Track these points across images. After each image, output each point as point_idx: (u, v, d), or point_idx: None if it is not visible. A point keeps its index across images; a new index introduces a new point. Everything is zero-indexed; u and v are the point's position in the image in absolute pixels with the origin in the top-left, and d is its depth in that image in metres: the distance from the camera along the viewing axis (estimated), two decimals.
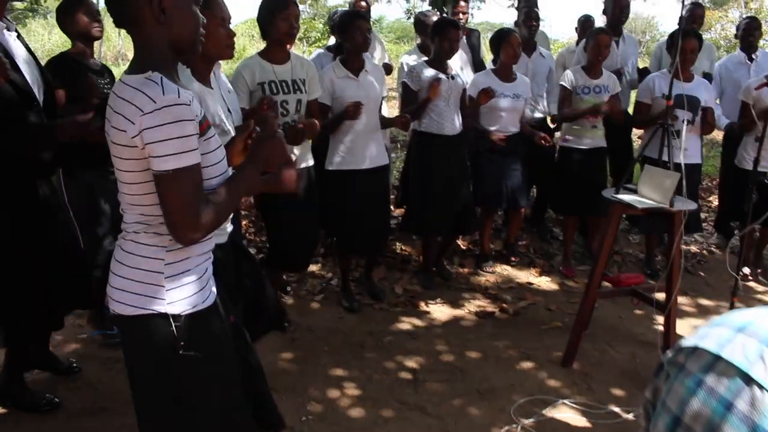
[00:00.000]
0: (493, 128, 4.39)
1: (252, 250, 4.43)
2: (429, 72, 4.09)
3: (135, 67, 1.52)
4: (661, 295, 3.35)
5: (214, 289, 1.73)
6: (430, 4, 6.59)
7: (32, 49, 2.65)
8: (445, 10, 6.45)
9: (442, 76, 4.05)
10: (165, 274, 1.56)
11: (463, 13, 5.32)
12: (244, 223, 4.96)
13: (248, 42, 27.09)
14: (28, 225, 2.54)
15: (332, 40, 5.08)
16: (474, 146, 4.49)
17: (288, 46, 3.42)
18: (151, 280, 1.56)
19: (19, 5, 5.87)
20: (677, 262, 3.24)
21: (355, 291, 4.13)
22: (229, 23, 2.30)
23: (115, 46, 23.90)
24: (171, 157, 1.43)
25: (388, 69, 5.22)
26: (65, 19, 3.19)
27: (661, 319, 3.48)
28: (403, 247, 4.95)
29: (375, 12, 16.05)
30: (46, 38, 22.67)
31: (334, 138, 3.72)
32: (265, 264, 3.63)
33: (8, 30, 2.48)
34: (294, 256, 3.58)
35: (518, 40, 4.40)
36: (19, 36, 2.56)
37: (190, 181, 1.47)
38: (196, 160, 1.48)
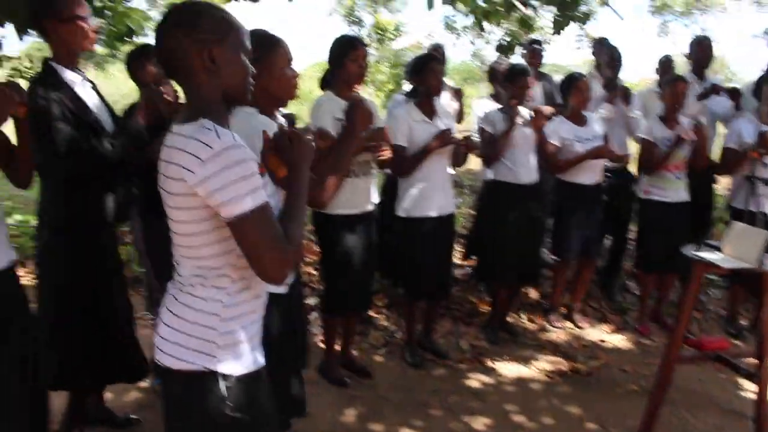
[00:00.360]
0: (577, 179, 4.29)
1: (312, 300, 4.40)
2: (504, 119, 4.04)
3: (186, 117, 1.50)
4: (749, 359, 3.10)
5: (261, 350, 1.69)
6: (497, 50, 6.53)
7: (104, 97, 2.75)
8: (509, 56, 6.39)
9: (518, 120, 4.01)
10: (219, 330, 1.53)
11: (538, 56, 5.30)
12: (307, 270, 4.94)
13: (315, 85, 27.75)
14: (88, 273, 2.62)
15: (407, 85, 5.09)
16: (554, 195, 4.41)
17: (356, 87, 3.44)
18: (204, 335, 1.52)
19: (100, 51, 6.12)
20: None
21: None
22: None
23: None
24: (237, 202, 1.39)
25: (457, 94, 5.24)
26: (135, 69, 3.28)
27: (748, 384, 3.22)
28: (471, 299, 4.81)
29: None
30: (123, 82, 23.85)
31: (405, 183, 3.69)
32: (323, 309, 3.59)
33: (84, 81, 2.59)
34: (353, 300, 3.51)
35: (588, 85, 4.31)
36: (93, 86, 2.67)
37: (263, 221, 1.44)
38: (263, 199, 1.44)
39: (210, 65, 1.49)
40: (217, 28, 1.51)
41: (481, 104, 5.00)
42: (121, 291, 2.82)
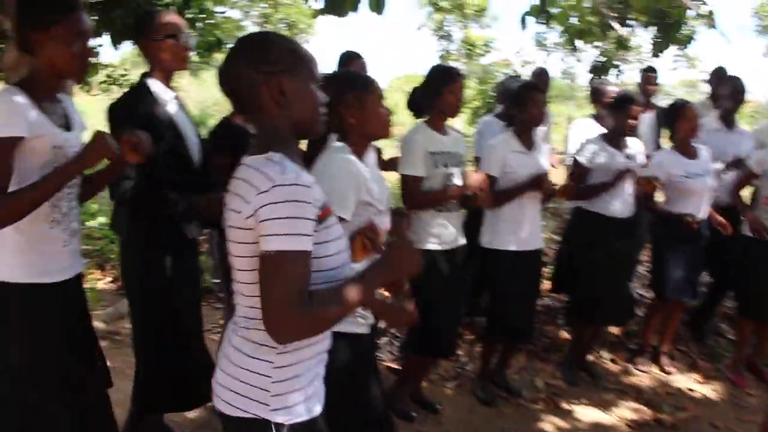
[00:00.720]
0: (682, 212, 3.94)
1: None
2: (604, 149, 3.79)
3: (255, 149, 1.46)
4: None
5: (322, 395, 1.60)
6: (590, 71, 6.27)
7: (189, 113, 2.76)
8: (605, 77, 6.11)
9: (619, 157, 3.76)
10: (273, 378, 1.45)
11: (652, 84, 5.04)
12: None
13: (402, 97, 27.87)
14: (171, 293, 2.59)
15: (498, 106, 4.94)
16: (653, 232, 4.15)
17: (450, 118, 3.32)
18: (257, 382, 1.45)
19: (194, 59, 6.26)
20: None
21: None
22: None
23: None
24: (278, 237, 1.32)
25: None
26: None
27: None
28: (547, 331, 4.56)
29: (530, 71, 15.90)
30: (216, 89, 24.69)
31: (494, 214, 3.50)
32: (405, 349, 3.46)
33: (175, 99, 2.60)
34: (444, 341, 3.33)
35: (695, 113, 3.97)
36: (182, 106, 2.68)
37: (294, 268, 1.33)
38: (305, 247, 1.34)
39: (279, 97, 1.44)
40: (286, 59, 1.46)
41: (582, 126, 4.75)
42: (199, 308, 2.81)
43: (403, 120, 23.67)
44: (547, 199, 3.61)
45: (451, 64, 26.16)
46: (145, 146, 2.11)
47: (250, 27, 23.17)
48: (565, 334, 4.53)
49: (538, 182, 3.36)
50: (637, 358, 4.28)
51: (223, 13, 6.45)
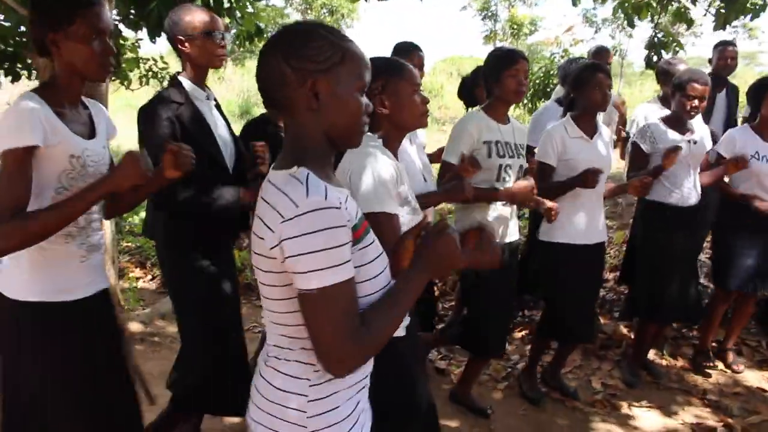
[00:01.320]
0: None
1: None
2: (667, 134, 3.49)
3: (283, 159, 1.32)
4: None
5: (367, 424, 1.45)
6: (647, 47, 5.87)
7: (226, 115, 2.67)
8: (664, 54, 5.71)
9: (681, 143, 3.44)
10: (308, 413, 1.30)
11: (731, 59, 4.63)
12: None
13: (446, 79, 27.46)
14: (213, 294, 2.54)
15: (559, 90, 4.62)
16: (718, 217, 3.84)
17: (513, 103, 3.09)
18: (291, 418, 1.31)
19: (235, 49, 6.18)
20: None
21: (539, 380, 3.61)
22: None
23: None
24: (316, 274, 1.18)
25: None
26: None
27: None
28: (604, 330, 4.31)
29: (579, 50, 15.32)
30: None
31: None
32: (468, 348, 3.29)
33: (208, 99, 2.52)
34: (492, 341, 3.16)
35: None
36: (217, 105, 2.60)
37: (341, 301, 1.20)
38: (347, 275, 1.21)
39: (312, 100, 1.28)
40: (326, 55, 1.28)
41: (646, 109, 4.41)
42: (238, 306, 2.73)
43: (449, 103, 23.30)
44: (612, 194, 3.35)
45: (497, 44, 25.66)
46: (187, 161, 2.02)
47: (292, 14, 23.18)
48: (623, 330, 4.27)
49: (588, 178, 3.07)
50: (700, 356, 4.00)
51: (261, 0, 6.28)
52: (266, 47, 1.31)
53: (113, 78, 5.96)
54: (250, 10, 6.01)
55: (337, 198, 1.22)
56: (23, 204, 1.74)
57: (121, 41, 5.89)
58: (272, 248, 1.21)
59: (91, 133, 1.98)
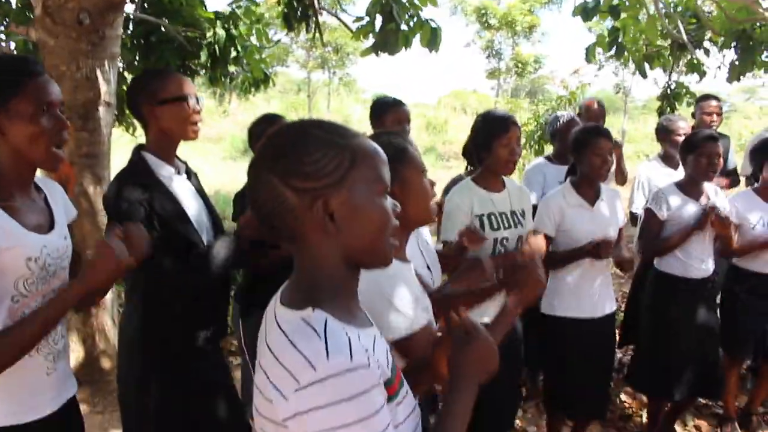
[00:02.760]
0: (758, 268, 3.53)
1: None
2: (680, 200, 3.33)
3: (294, 293, 1.09)
4: None
5: None
6: (659, 99, 5.79)
7: (202, 188, 2.37)
8: (677, 106, 5.63)
9: (697, 209, 3.29)
10: None
11: (717, 115, 4.42)
12: None
13: (450, 114, 27.55)
14: (193, 403, 2.19)
15: (549, 148, 4.48)
16: (726, 283, 3.67)
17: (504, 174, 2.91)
18: None
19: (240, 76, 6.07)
20: None
21: None
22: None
23: (324, 118, 25.48)
24: None
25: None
26: (255, 144, 2.99)
27: None
28: (624, 399, 4.12)
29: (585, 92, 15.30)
30: (266, 109, 24.81)
31: (555, 276, 3.07)
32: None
33: (179, 173, 2.20)
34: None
35: None
36: (189, 176, 2.28)
37: None
38: None
39: (326, 222, 1.04)
40: (334, 163, 1.04)
41: (649, 170, 4.29)
42: (233, 407, 2.39)
43: (453, 138, 23.22)
44: (622, 266, 3.15)
45: (501, 80, 25.84)
46: (140, 243, 1.73)
47: (297, 51, 23.34)
48: (643, 397, 4.08)
49: (601, 251, 2.88)
50: (726, 428, 3.80)
51: (267, 47, 6.23)
52: (256, 166, 1.07)
53: (117, 125, 5.87)
54: (256, 56, 5.97)
55: (363, 352, 0.99)
56: None
57: (125, 87, 5.83)
58: (286, 419, 0.98)
59: (50, 224, 1.71)
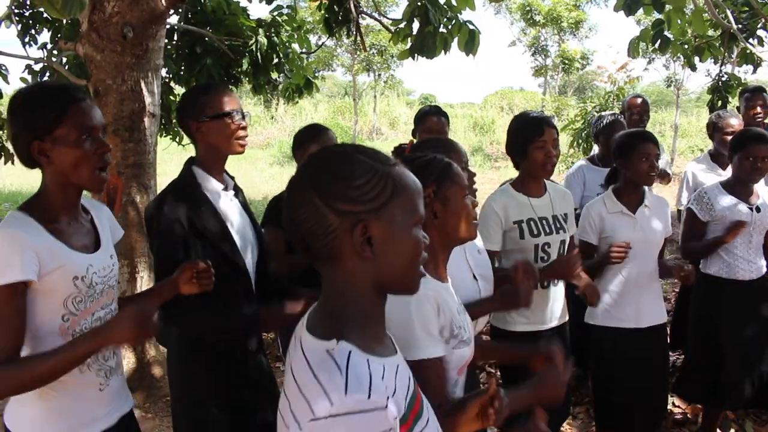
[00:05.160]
0: None
1: None
2: (726, 200, 3.19)
3: (321, 320, 1.10)
4: None
5: None
6: (709, 92, 5.58)
7: (248, 204, 2.36)
8: (729, 99, 5.42)
9: (742, 210, 3.15)
10: None
11: (762, 107, 4.17)
12: None
13: (497, 114, 27.30)
14: (238, 400, 2.22)
15: (595, 148, 4.35)
16: None
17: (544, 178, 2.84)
18: None
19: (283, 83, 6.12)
20: None
21: None
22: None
23: (370, 121, 25.63)
24: None
25: (664, 177, 4.35)
26: (298, 152, 3.00)
27: None
28: (677, 404, 3.98)
29: (634, 88, 14.96)
30: (313, 113, 25.05)
31: (597, 285, 2.93)
32: None
33: (226, 190, 2.20)
34: None
35: None
36: (237, 193, 2.29)
37: None
38: None
39: (364, 247, 1.05)
40: (376, 191, 1.06)
41: (697, 167, 4.11)
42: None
43: (501, 138, 23.01)
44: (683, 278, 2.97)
45: (548, 77, 25.46)
46: (207, 281, 1.89)
47: (342, 54, 23.48)
48: (695, 406, 3.94)
49: (612, 256, 2.79)
50: None
51: (309, 53, 6.28)
52: (299, 185, 1.09)
53: (164, 135, 6.02)
54: (298, 63, 6.02)
55: (383, 390, 1.00)
56: (14, 346, 1.54)
57: (172, 97, 5.98)
58: None
59: (96, 244, 1.77)
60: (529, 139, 2.64)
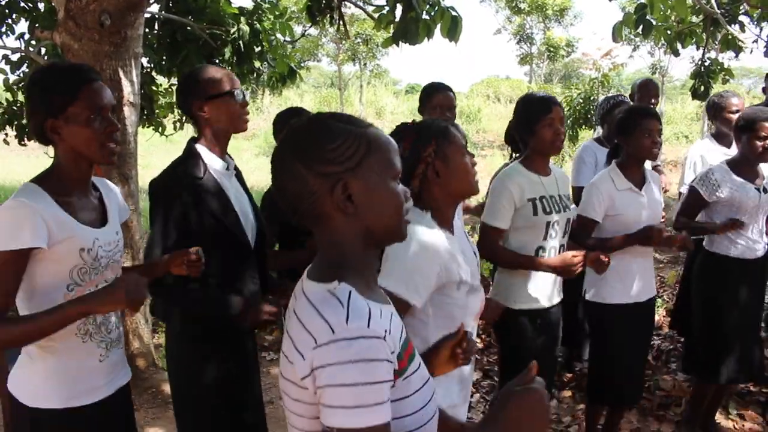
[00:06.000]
0: None
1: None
2: (734, 181, 3.18)
3: (320, 268, 1.17)
4: None
5: None
6: (692, 77, 5.60)
7: (247, 186, 2.41)
8: (712, 84, 5.44)
9: (750, 189, 3.17)
10: None
11: None
12: None
13: (483, 102, 27.28)
14: (235, 381, 2.25)
15: (598, 130, 4.33)
16: None
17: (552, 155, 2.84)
18: None
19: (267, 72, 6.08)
20: None
21: None
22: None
23: (356, 110, 25.53)
24: (342, 412, 1.01)
25: None
26: (279, 136, 2.98)
27: None
28: (662, 386, 4.01)
29: (619, 75, 15.02)
30: (299, 104, 24.93)
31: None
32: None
33: (228, 169, 2.25)
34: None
35: None
36: (237, 174, 2.33)
37: None
38: (381, 419, 1.02)
39: (345, 204, 1.13)
40: (352, 150, 1.14)
41: (702, 149, 4.10)
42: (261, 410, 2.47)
43: (487, 127, 23.03)
44: (661, 246, 3.09)
45: (534, 65, 25.47)
46: (196, 269, 1.95)
47: (327, 44, 23.35)
48: (683, 385, 3.97)
49: (649, 236, 2.84)
50: None
51: (293, 42, 6.22)
52: (280, 154, 1.17)
53: (146, 125, 5.94)
54: (281, 51, 5.96)
55: (381, 325, 1.07)
56: (4, 307, 1.63)
57: (154, 87, 5.91)
58: (304, 378, 1.06)
59: (102, 220, 1.85)
60: (537, 117, 2.66)
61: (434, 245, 1.78)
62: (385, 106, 25.94)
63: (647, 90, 4.32)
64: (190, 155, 2.19)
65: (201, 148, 2.19)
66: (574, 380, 4.10)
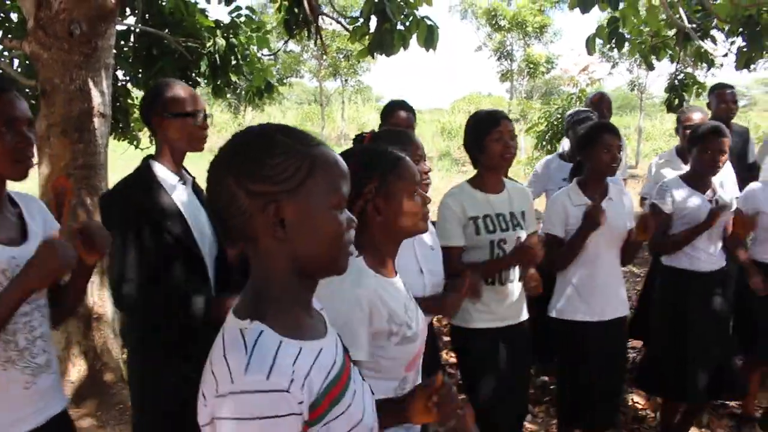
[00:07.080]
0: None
1: None
2: (684, 193, 3.20)
3: (242, 301, 1.09)
4: None
5: None
6: (666, 90, 5.66)
7: (203, 199, 2.33)
8: (686, 98, 5.50)
9: (702, 203, 3.17)
10: None
11: (733, 103, 4.24)
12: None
13: (464, 119, 27.37)
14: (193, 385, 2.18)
15: (565, 143, 4.34)
16: (738, 281, 3.52)
17: (503, 171, 2.84)
18: None
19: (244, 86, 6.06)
20: None
21: None
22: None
23: (338, 126, 25.57)
24: None
25: None
26: None
27: None
28: (636, 400, 4.00)
29: (596, 89, 15.27)
30: (281, 120, 24.93)
31: (562, 278, 2.98)
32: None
33: (184, 184, 2.22)
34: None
35: None
36: (196, 191, 2.28)
37: None
38: None
39: (276, 228, 1.03)
40: (291, 171, 1.03)
41: (662, 161, 4.14)
42: None
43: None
44: (629, 256, 3.07)
45: (515, 82, 25.68)
46: (101, 242, 1.73)
47: (309, 60, 23.41)
48: (658, 398, 3.96)
49: (593, 221, 2.77)
50: (744, 427, 3.66)
51: (270, 55, 6.21)
52: (215, 165, 1.07)
53: (122, 138, 5.88)
54: (257, 65, 5.95)
55: (287, 374, 0.96)
56: None
57: (129, 100, 5.86)
58: (205, 425, 0.99)
59: (21, 237, 1.70)
60: (486, 131, 2.64)
61: (356, 297, 1.58)
62: (368, 122, 26.00)
63: (599, 105, 4.32)
64: (141, 171, 2.18)
65: (154, 164, 2.18)
66: (548, 396, 4.08)
